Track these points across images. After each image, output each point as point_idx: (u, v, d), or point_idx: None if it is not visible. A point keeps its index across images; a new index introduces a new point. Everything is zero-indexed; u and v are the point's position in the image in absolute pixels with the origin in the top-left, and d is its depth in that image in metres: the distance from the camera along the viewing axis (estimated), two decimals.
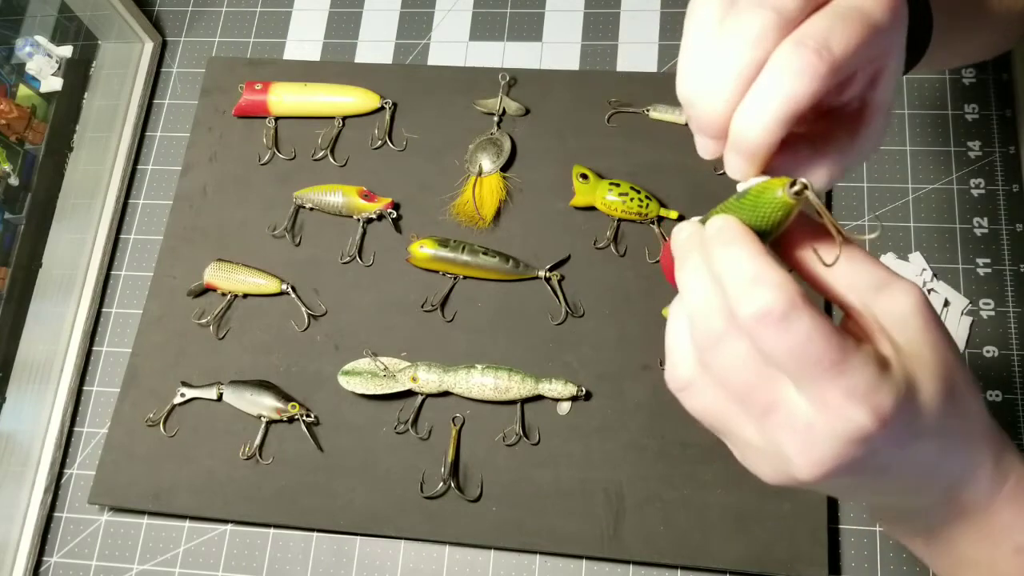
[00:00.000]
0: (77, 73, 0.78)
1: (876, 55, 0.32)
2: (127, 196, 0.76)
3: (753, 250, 0.30)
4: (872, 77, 0.33)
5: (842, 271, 0.32)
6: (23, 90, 0.74)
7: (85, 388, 0.70)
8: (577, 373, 0.64)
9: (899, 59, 0.34)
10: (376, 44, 0.78)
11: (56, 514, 0.67)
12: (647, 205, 0.66)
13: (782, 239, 0.33)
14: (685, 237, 0.34)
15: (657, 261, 0.66)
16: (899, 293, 0.32)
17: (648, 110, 0.70)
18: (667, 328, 0.35)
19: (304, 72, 0.76)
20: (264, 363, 0.67)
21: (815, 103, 0.31)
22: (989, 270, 0.64)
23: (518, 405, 0.63)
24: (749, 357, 0.31)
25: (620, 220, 0.67)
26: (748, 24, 0.31)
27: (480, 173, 0.69)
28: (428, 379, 0.63)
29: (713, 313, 0.31)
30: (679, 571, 0.60)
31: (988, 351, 0.62)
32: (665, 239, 0.66)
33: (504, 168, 0.69)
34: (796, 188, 0.30)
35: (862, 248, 0.33)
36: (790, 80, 0.30)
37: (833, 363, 0.29)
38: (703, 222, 0.34)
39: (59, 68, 0.76)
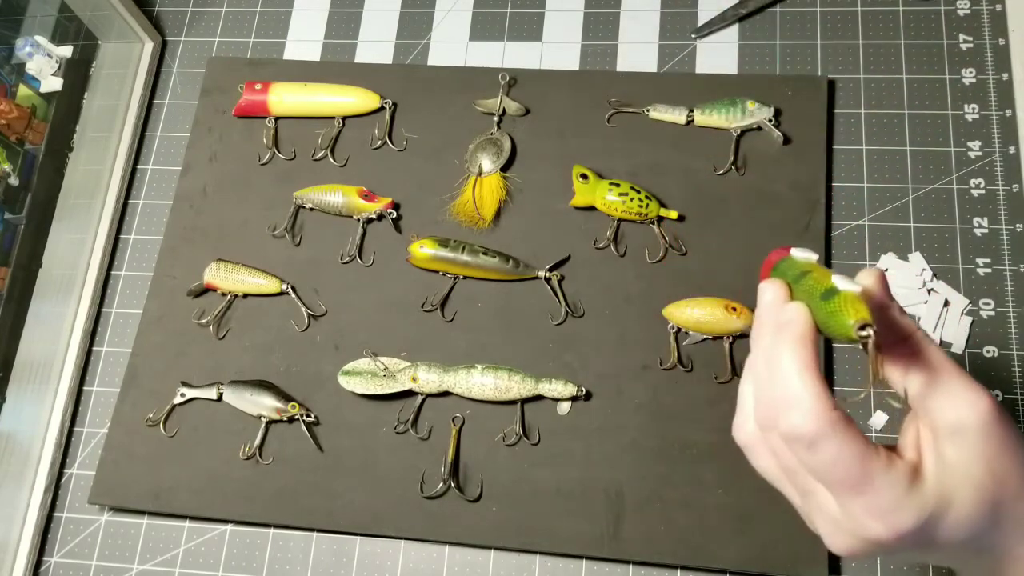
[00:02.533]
0: (77, 73, 0.78)
1: None
2: (127, 196, 0.76)
3: (803, 364, 0.33)
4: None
5: (913, 372, 0.34)
6: (23, 90, 0.74)
7: (85, 388, 0.70)
8: (577, 373, 0.64)
9: None
10: (376, 44, 0.78)
11: (56, 514, 0.67)
12: (647, 205, 0.66)
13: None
14: (767, 302, 0.37)
15: (659, 261, 0.66)
16: (963, 405, 0.33)
17: (648, 110, 0.70)
18: (741, 382, 0.38)
19: (304, 72, 0.76)
20: (264, 363, 0.67)
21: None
22: (989, 270, 0.64)
23: (518, 405, 0.63)
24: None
25: (620, 220, 0.67)
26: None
27: (480, 173, 0.69)
28: (428, 379, 0.63)
29: (770, 402, 0.34)
30: (679, 571, 0.60)
31: (988, 351, 0.62)
32: (666, 239, 0.66)
33: (504, 168, 0.69)
34: (863, 333, 0.32)
35: (942, 351, 0.34)
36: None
37: (856, 484, 0.32)
38: (793, 280, 0.36)
39: (59, 68, 0.76)
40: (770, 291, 0.37)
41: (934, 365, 0.34)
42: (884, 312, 0.35)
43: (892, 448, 0.35)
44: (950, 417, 0.33)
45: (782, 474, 0.36)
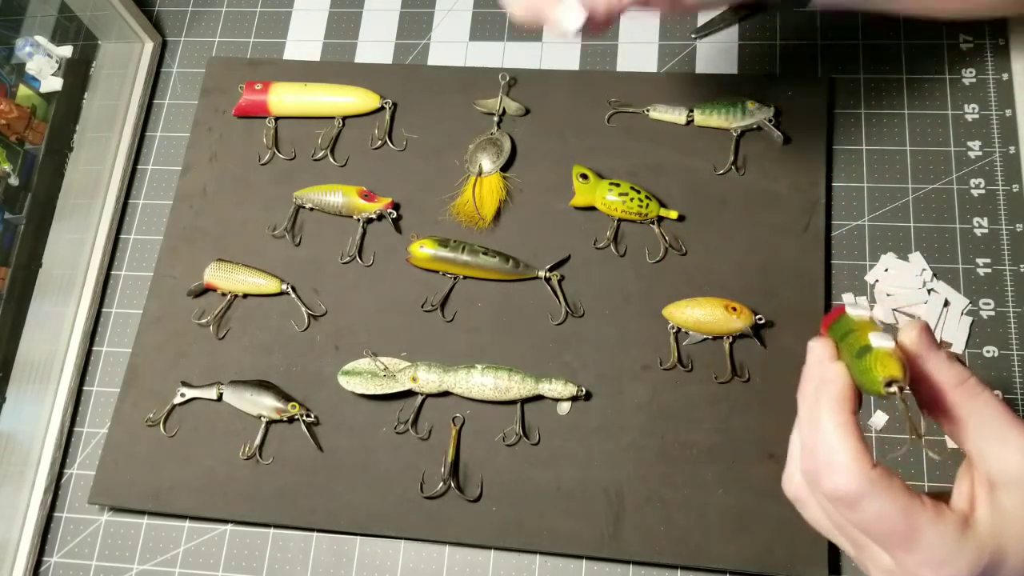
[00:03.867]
0: (77, 73, 0.78)
1: None
2: (127, 196, 0.76)
3: (840, 423, 0.33)
4: None
5: (966, 420, 0.34)
6: (23, 90, 0.74)
7: (85, 388, 0.70)
8: (577, 373, 0.64)
9: None
10: (376, 44, 0.78)
11: (56, 514, 0.67)
12: (647, 205, 0.66)
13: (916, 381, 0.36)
14: (813, 360, 0.38)
15: (659, 261, 0.66)
16: (1018, 455, 0.33)
17: (648, 110, 0.70)
18: (791, 435, 0.38)
19: (304, 72, 0.76)
20: (264, 363, 0.67)
21: None
22: (989, 270, 0.64)
23: (518, 405, 0.63)
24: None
25: (620, 220, 0.67)
26: None
27: (480, 173, 0.69)
28: (428, 379, 0.63)
29: (813, 461, 0.34)
30: (679, 571, 0.60)
31: (988, 351, 0.62)
32: (666, 239, 0.66)
33: (504, 168, 0.69)
34: (890, 390, 0.33)
35: (995, 398, 0.34)
36: None
37: (905, 539, 0.32)
38: (840, 338, 0.37)
39: (59, 68, 0.76)
40: (817, 349, 0.38)
41: (990, 413, 0.34)
42: (927, 362, 0.36)
43: (941, 496, 0.35)
44: (1006, 466, 0.33)
45: (833, 527, 0.36)
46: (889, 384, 0.33)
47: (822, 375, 0.36)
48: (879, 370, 0.33)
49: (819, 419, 0.34)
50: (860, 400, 0.36)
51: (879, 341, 0.35)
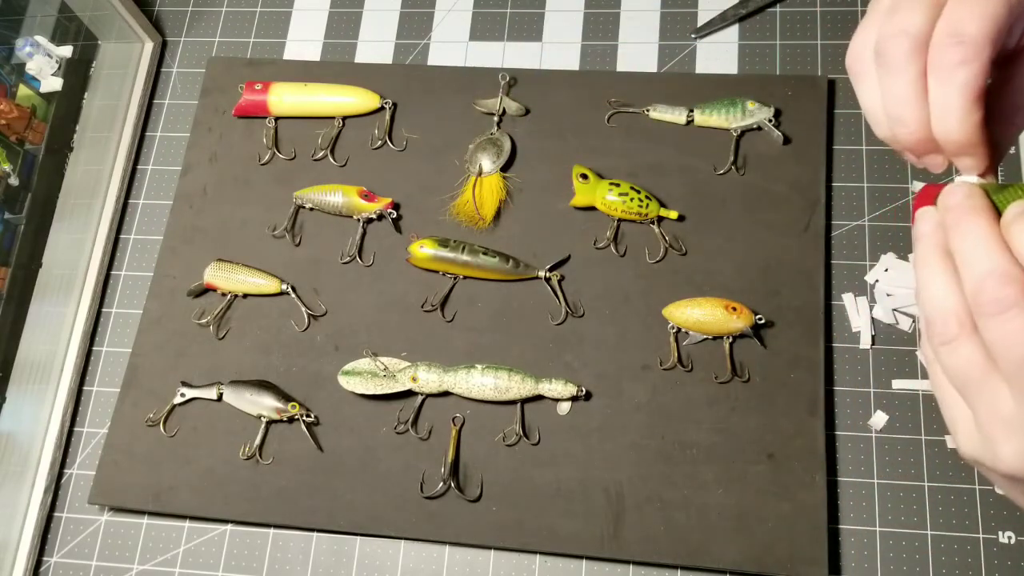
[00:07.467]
0: (77, 73, 0.78)
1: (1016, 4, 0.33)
2: (127, 196, 0.76)
3: (995, 232, 0.33)
4: None
5: None
6: (23, 90, 0.74)
7: (85, 388, 0.70)
8: (577, 373, 0.64)
9: None
10: (376, 44, 0.78)
11: (56, 514, 0.67)
12: (647, 205, 0.66)
13: None
14: (956, 201, 0.37)
15: (659, 261, 0.66)
16: None
17: (648, 110, 0.70)
18: (922, 287, 0.36)
19: (304, 72, 0.76)
20: (264, 363, 0.67)
21: (987, 73, 0.34)
22: None
23: (518, 405, 0.63)
24: (973, 359, 0.33)
25: (620, 220, 0.67)
26: (892, 58, 0.35)
27: (480, 173, 0.69)
28: (428, 379, 0.63)
29: (950, 317, 0.33)
30: (679, 571, 0.60)
31: None
32: (666, 239, 0.66)
33: (504, 168, 0.69)
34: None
35: None
36: (951, 78, 0.34)
37: None
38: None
39: (59, 68, 0.76)
40: (955, 191, 0.39)
41: None
42: None
43: None
44: None
45: (950, 388, 0.34)
46: None
47: (960, 203, 0.36)
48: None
49: (969, 235, 0.34)
50: None
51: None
